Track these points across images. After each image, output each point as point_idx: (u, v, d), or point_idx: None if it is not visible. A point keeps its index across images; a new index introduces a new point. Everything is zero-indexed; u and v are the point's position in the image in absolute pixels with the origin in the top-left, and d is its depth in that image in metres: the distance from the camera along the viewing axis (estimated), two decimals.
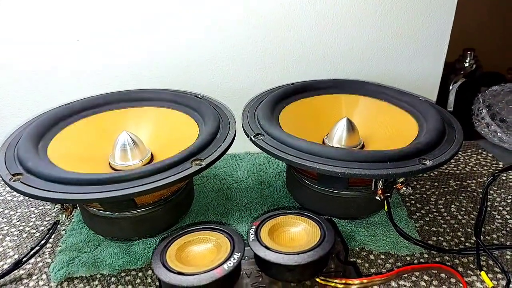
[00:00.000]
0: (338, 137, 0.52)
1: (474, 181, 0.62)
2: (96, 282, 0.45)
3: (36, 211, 0.57)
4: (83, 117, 0.54)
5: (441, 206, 0.57)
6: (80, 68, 0.64)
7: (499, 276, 0.45)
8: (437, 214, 0.55)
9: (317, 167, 0.42)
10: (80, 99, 0.57)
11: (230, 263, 0.37)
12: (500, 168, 0.65)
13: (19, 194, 0.60)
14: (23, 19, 0.59)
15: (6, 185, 0.61)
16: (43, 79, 0.64)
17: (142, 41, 0.63)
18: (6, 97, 0.65)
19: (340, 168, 0.42)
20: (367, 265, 0.47)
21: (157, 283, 0.44)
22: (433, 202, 0.58)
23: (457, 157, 0.68)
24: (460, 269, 0.46)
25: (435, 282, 0.44)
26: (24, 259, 0.46)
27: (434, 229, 0.52)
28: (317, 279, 0.41)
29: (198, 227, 0.43)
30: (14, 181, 0.41)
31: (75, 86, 0.65)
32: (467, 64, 0.79)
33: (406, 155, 0.44)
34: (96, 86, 0.65)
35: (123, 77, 0.65)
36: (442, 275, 0.45)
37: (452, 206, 0.57)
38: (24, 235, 0.53)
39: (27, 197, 0.59)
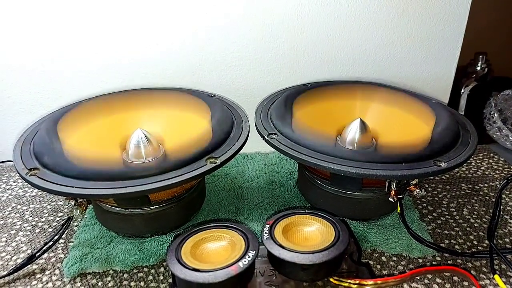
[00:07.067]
0: (351, 138, 0.52)
1: (486, 185, 0.62)
2: (109, 278, 0.45)
3: (48, 206, 0.57)
4: (98, 115, 0.54)
5: (453, 209, 0.56)
6: (92, 66, 0.64)
7: None
8: (449, 217, 0.55)
9: (332, 167, 0.42)
10: (93, 97, 0.57)
11: (245, 261, 0.37)
12: None
13: (31, 190, 0.61)
14: (34, 20, 0.60)
15: (20, 180, 0.62)
16: (55, 77, 0.64)
17: (154, 39, 0.63)
18: (19, 94, 0.65)
19: (355, 168, 0.42)
20: (379, 266, 0.47)
21: (170, 280, 0.45)
22: (445, 205, 0.57)
23: (469, 161, 0.68)
24: (473, 272, 0.46)
25: (447, 285, 0.44)
26: (37, 254, 0.46)
27: (446, 232, 0.52)
28: (331, 279, 0.41)
29: (212, 225, 0.43)
30: (30, 175, 0.41)
31: (87, 84, 0.65)
32: (478, 68, 0.79)
33: (420, 156, 0.44)
34: (108, 84, 0.65)
35: (134, 75, 0.65)
36: (455, 278, 0.45)
37: (464, 209, 0.56)
38: (37, 231, 0.53)
39: (41, 192, 0.59)
